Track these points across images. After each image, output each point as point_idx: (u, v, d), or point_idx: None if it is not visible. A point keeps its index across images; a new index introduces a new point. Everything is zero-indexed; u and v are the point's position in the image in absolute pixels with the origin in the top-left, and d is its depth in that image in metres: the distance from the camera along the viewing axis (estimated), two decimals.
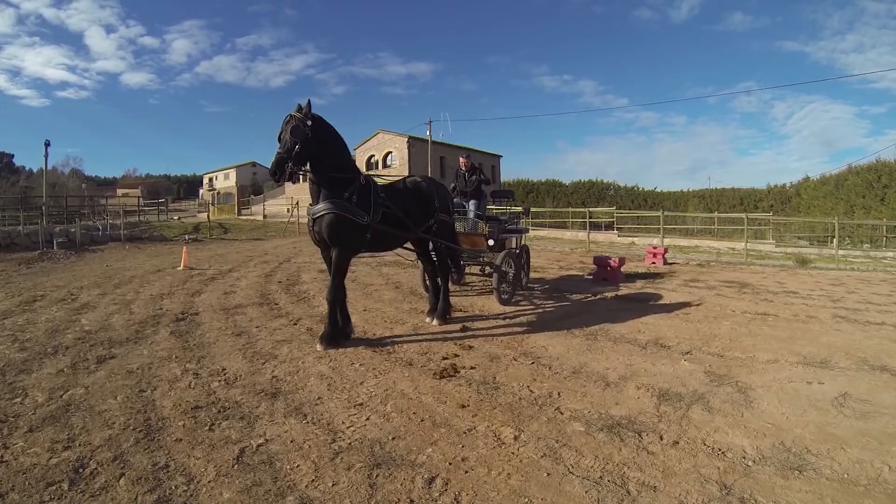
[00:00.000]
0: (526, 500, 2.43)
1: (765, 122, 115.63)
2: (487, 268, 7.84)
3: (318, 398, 3.69)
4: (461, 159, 8.35)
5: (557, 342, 5.25)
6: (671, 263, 13.54)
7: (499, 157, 50.58)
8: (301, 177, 4.92)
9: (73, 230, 18.77)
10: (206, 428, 3.18)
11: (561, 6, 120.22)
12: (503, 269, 6.88)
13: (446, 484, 2.55)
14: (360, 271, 10.53)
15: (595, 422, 3.30)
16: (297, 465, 2.71)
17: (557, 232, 26.79)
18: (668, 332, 5.69)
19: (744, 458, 2.82)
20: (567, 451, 2.90)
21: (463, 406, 3.55)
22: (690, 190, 42.87)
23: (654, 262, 13.25)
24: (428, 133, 36.35)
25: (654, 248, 14.00)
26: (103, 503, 2.41)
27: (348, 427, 3.21)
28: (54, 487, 2.53)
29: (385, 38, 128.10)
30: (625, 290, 8.77)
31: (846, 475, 2.64)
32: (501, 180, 48.35)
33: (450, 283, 6.36)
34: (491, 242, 7.34)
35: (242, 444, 2.96)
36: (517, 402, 3.63)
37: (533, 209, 28.52)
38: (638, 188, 45.32)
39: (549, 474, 2.65)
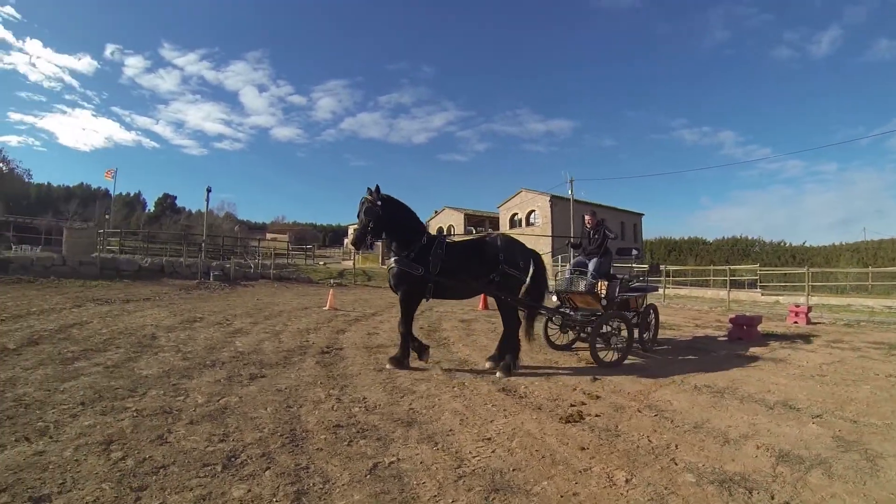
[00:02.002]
0: None
1: None
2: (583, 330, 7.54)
3: (450, 430, 3.98)
4: (586, 217, 8.17)
5: (683, 398, 5.15)
6: (815, 323, 12.40)
7: (640, 215, 49.48)
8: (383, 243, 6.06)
9: (227, 266, 21.30)
10: (345, 443, 3.59)
11: (692, 52, 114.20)
12: (602, 330, 6.94)
13: None
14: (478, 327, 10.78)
15: (707, 475, 3.25)
16: (423, 482, 3.01)
17: (698, 290, 25.40)
18: (799, 394, 5.33)
19: None
20: (674, 498, 2.91)
21: (583, 448, 3.66)
22: (843, 244, 38.66)
23: (795, 322, 12.23)
24: (570, 192, 36.58)
25: (797, 306, 12.96)
26: (250, 486, 2.86)
27: (474, 456, 3.45)
28: (209, 468, 3.06)
29: (522, 96, 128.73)
30: (760, 349, 8.26)
31: None
32: (643, 238, 47.39)
33: (523, 340, 6.40)
34: (604, 302, 7.21)
35: (376, 459, 3.32)
36: (634, 450, 3.66)
37: (673, 267, 27.36)
38: (784, 244, 41.84)
39: None
